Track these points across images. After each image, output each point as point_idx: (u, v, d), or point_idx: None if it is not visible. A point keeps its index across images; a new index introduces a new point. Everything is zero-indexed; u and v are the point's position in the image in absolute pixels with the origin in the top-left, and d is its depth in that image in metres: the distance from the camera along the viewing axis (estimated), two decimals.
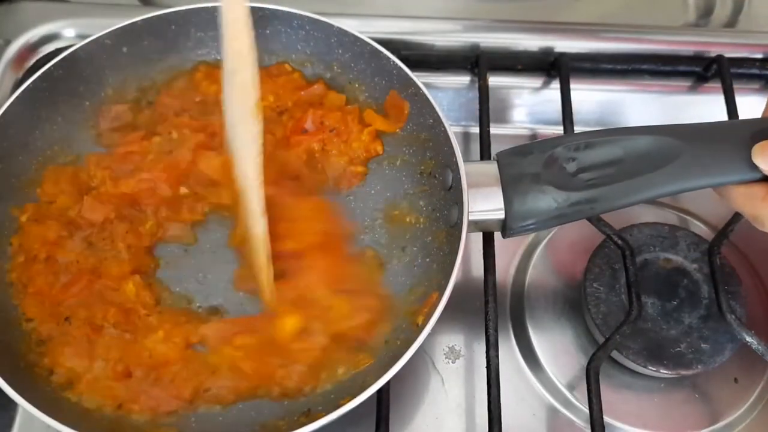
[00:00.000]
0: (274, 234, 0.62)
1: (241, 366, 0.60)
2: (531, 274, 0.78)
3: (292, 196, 0.67)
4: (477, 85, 0.83)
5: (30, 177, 0.68)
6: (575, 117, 0.80)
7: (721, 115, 0.82)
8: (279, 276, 0.63)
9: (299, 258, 0.64)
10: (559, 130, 0.80)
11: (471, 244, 0.77)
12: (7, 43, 0.86)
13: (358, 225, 0.69)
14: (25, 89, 0.66)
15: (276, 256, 0.62)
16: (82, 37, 0.75)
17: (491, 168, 0.62)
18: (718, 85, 0.85)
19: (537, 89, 0.90)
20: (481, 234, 0.69)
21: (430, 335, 0.55)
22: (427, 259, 0.66)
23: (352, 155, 0.72)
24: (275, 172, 0.66)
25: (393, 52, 0.69)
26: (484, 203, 0.61)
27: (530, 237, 0.80)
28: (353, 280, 0.65)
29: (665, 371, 0.68)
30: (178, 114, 0.72)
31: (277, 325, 0.61)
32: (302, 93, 0.74)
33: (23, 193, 0.67)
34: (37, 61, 0.86)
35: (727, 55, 0.87)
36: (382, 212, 0.70)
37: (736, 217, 0.73)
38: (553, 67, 0.87)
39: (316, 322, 0.61)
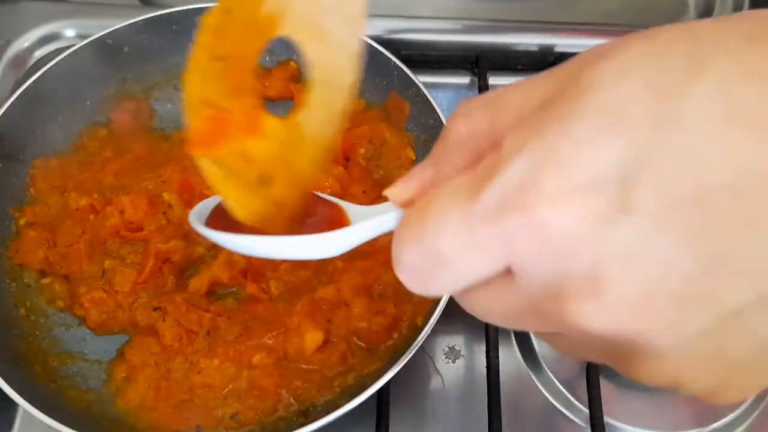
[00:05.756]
0: None
1: (261, 383, 0.59)
2: None
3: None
4: (477, 85, 0.83)
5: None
6: None
7: None
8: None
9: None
10: None
11: None
12: (7, 43, 0.85)
13: None
14: (25, 89, 0.66)
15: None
16: (82, 37, 0.76)
17: None
18: None
19: None
20: None
21: (430, 335, 0.55)
22: None
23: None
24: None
25: (393, 53, 0.69)
26: None
27: None
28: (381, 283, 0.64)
29: None
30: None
31: (300, 342, 0.60)
32: None
33: (24, 193, 0.68)
34: (37, 61, 0.86)
35: None
36: None
37: None
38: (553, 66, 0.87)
39: (336, 328, 0.61)
